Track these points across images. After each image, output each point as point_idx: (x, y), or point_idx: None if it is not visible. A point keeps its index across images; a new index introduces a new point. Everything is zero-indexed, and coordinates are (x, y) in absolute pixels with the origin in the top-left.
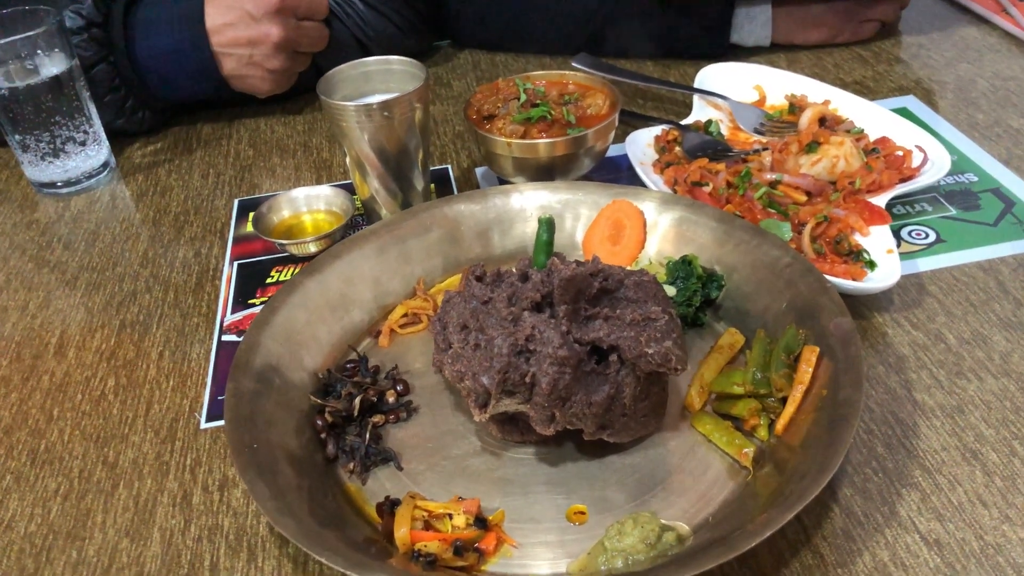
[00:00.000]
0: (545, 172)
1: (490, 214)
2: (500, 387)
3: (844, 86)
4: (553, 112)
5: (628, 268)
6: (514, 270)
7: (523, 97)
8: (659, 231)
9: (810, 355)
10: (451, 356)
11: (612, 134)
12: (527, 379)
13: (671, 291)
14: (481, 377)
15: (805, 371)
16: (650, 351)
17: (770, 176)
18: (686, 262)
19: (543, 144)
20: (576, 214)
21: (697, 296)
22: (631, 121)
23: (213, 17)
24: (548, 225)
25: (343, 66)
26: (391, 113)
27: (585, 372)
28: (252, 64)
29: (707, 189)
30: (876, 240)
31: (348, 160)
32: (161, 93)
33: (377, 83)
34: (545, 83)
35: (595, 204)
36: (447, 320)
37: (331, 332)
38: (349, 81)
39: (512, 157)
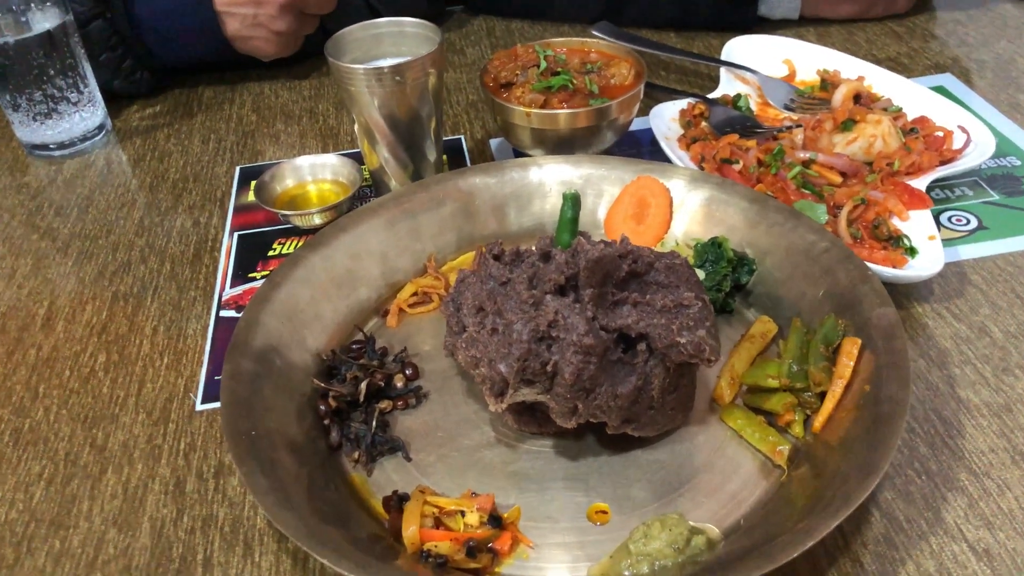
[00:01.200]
0: (565, 145)
1: (507, 188)
2: (519, 376)
3: (877, 63)
4: (575, 81)
5: (657, 250)
6: (534, 249)
7: (543, 64)
8: (686, 210)
9: (851, 347)
10: (465, 340)
11: (637, 106)
12: (548, 368)
13: (699, 275)
14: (498, 364)
15: (845, 364)
16: (682, 340)
17: (803, 155)
18: (716, 244)
19: (564, 115)
20: (599, 190)
21: (727, 281)
22: (654, 94)
23: None
24: (573, 201)
25: (353, 27)
26: (403, 78)
27: (611, 362)
28: (256, 25)
29: (737, 167)
30: (916, 225)
31: (356, 127)
32: (161, 53)
33: (388, 46)
34: (566, 51)
35: (619, 180)
36: (461, 301)
37: (336, 310)
38: (359, 43)
39: (530, 128)
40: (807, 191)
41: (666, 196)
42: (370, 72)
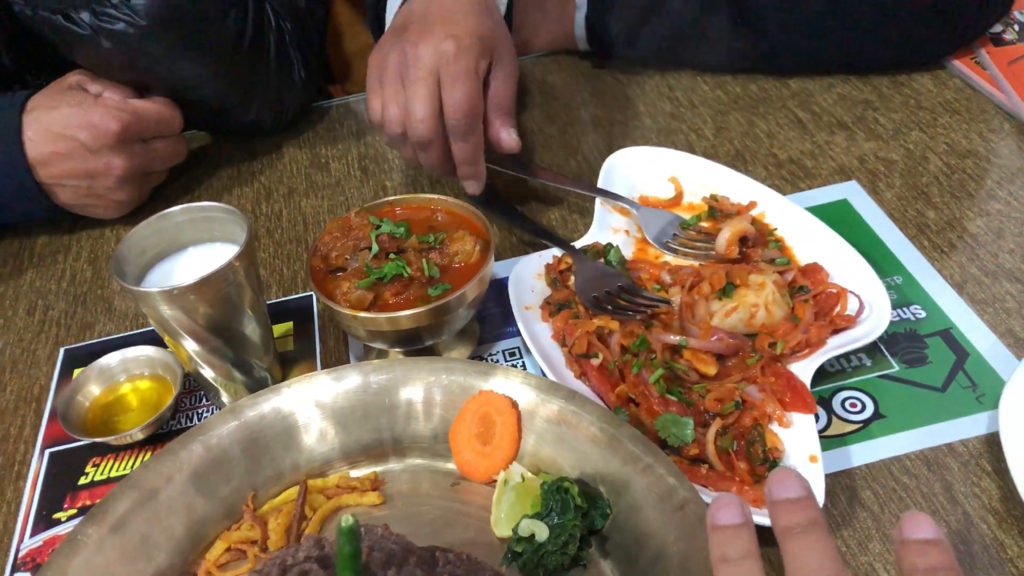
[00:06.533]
0: (407, 339)
1: (338, 402)
2: None
3: (779, 165)
4: (410, 269)
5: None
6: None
7: (375, 248)
8: (535, 427)
9: None
10: None
11: (486, 285)
12: None
13: (542, 532)
14: None
15: None
16: None
17: (674, 339)
18: (562, 490)
19: (400, 317)
20: (436, 399)
21: (574, 540)
22: (517, 227)
23: (36, 145)
24: (350, 536)
25: (150, 220)
26: (201, 296)
27: None
28: (94, 196)
29: (596, 361)
30: (798, 436)
31: (166, 341)
32: None
33: (193, 233)
34: (407, 208)
35: (463, 388)
36: None
37: None
38: (158, 235)
39: (363, 328)
40: (672, 397)
41: (512, 412)
42: (164, 294)
